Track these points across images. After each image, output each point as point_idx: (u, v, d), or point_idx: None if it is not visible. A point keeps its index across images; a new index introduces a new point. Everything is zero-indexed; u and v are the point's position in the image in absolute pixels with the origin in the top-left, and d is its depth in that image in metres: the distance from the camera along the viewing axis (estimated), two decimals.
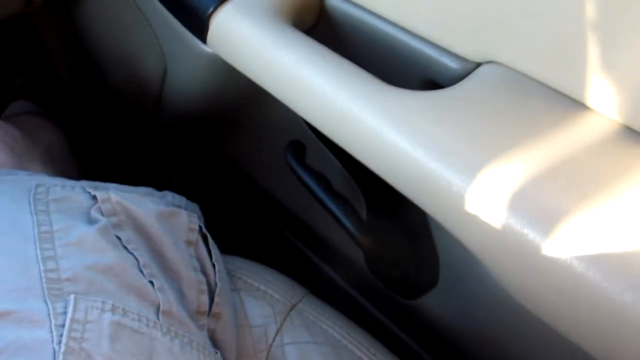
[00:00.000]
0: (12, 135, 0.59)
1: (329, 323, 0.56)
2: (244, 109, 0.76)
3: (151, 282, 0.42)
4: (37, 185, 0.44)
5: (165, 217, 0.48)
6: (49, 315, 0.35)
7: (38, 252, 0.38)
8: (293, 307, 0.57)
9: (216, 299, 0.49)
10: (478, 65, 0.45)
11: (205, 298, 0.47)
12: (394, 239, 0.61)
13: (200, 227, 0.52)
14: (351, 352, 0.54)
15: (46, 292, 0.36)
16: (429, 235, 0.58)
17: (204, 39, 0.55)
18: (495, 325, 0.57)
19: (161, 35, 0.67)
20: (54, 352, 0.33)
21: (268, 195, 0.86)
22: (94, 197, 0.45)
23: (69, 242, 0.40)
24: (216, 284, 0.50)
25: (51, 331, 0.34)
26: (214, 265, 0.51)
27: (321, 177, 0.61)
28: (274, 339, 0.53)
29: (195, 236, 0.50)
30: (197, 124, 0.84)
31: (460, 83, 0.44)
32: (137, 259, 0.42)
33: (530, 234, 0.35)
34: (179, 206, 0.53)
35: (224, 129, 0.85)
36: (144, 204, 0.47)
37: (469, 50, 0.45)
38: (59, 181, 0.47)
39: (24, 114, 0.89)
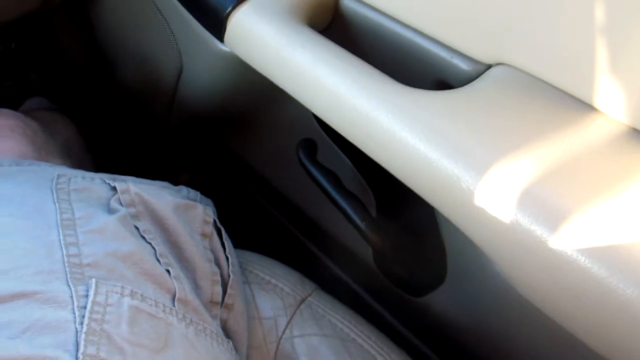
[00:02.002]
0: (33, 128, 0.61)
1: (337, 317, 0.57)
2: (255, 107, 0.77)
3: (167, 271, 0.43)
4: (59, 176, 0.46)
5: (182, 209, 0.49)
6: (71, 297, 0.36)
7: (61, 237, 0.40)
8: (303, 300, 0.58)
9: (229, 290, 0.50)
10: (489, 67, 0.47)
11: (218, 289, 0.49)
12: (403, 237, 0.62)
13: (214, 221, 0.54)
14: (359, 346, 0.55)
15: (69, 276, 0.38)
16: (437, 233, 0.59)
17: (221, 38, 0.56)
18: (501, 323, 0.58)
19: (178, 34, 0.68)
20: (76, 331, 0.35)
21: (277, 192, 0.87)
22: (114, 188, 0.47)
23: (90, 230, 0.41)
24: (229, 276, 0.51)
25: (74, 312, 0.36)
26: (227, 258, 0.52)
27: (332, 174, 0.62)
28: (283, 331, 0.54)
29: (210, 229, 0.52)
30: (209, 122, 0.86)
31: (471, 84, 0.45)
32: (154, 249, 0.44)
33: (538, 230, 0.37)
34: (194, 200, 0.54)
35: (234, 128, 0.86)
36: (161, 196, 0.48)
37: (480, 52, 0.47)
38: (79, 172, 0.48)
39: (40, 109, 0.91)
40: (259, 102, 0.75)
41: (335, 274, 0.81)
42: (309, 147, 0.66)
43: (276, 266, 0.62)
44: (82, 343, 0.34)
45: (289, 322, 0.56)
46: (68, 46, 1.11)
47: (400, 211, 0.64)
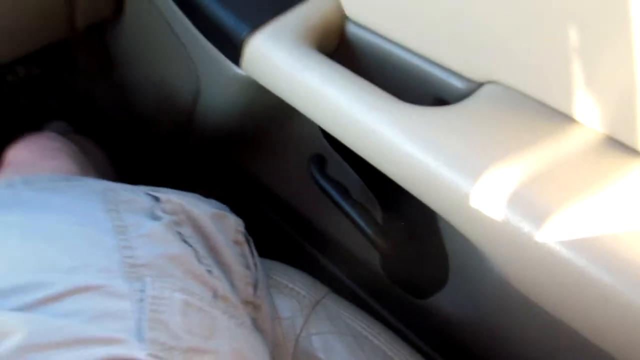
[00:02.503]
0: (73, 149, 0.67)
1: (350, 316, 0.62)
2: (267, 127, 0.83)
3: (209, 271, 0.49)
4: (106, 189, 0.51)
5: (217, 218, 0.55)
6: (130, 291, 0.42)
7: (116, 242, 0.45)
8: (317, 302, 0.63)
9: (258, 292, 0.55)
10: (481, 84, 0.52)
11: (251, 289, 0.54)
12: (407, 242, 0.67)
13: (244, 231, 0.59)
14: (371, 342, 0.59)
15: (126, 275, 0.43)
16: (438, 237, 0.64)
17: (237, 62, 0.62)
18: (503, 320, 0.62)
19: (196, 58, 0.74)
20: (139, 319, 0.40)
21: (286, 205, 0.92)
22: (157, 199, 0.52)
23: (141, 235, 0.46)
24: (257, 280, 0.56)
25: (134, 304, 0.41)
26: (255, 264, 0.58)
27: (341, 186, 0.67)
28: (301, 330, 0.59)
29: (242, 237, 0.57)
30: (224, 141, 0.91)
31: (466, 100, 0.51)
32: (196, 252, 0.49)
33: (526, 227, 0.42)
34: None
35: (247, 146, 0.91)
36: (199, 206, 0.54)
37: (473, 71, 0.52)
38: (121, 186, 0.54)
39: (68, 132, 0.96)
40: (270, 121, 0.80)
41: (343, 281, 0.85)
42: (319, 161, 0.71)
43: (293, 272, 0.66)
44: (146, 329, 0.39)
45: (305, 322, 0.60)
46: (87, 71, 1.16)
47: (404, 217, 0.69)
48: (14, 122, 1.11)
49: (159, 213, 0.50)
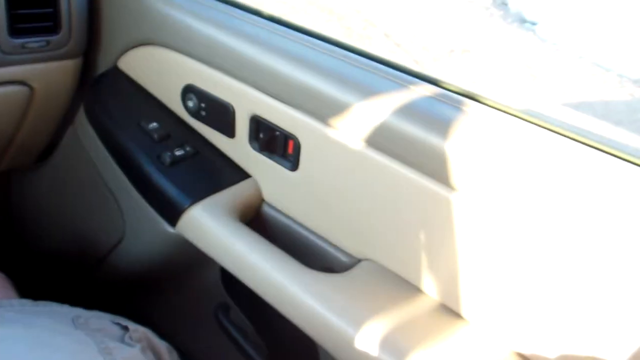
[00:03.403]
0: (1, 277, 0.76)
1: None
2: (177, 277, 0.96)
3: None
4: (76, 317, 0.62)
5: (169, 351, 0.68)
6: None
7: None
8: None
9: None
10: (359, 260, 0.72)
11: None
12: None
13: None
14: None
15: None
16: None
17: (173, 225, 0.77)
18: None
19: (126, 210, 0.87)
20: None
21: (184, 350, 1.02)
22: (125, 327, 0.64)
23: (124, 357, 0.58)
24: None
25: None
26: None
27: (241, 330, 0.82)
28: None
29: None
30: (131, 285, 1.01)
31: (349, 271, 0.70)
32: None
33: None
34: None
35: (149, 292, 1.02)
36: (155, 337, 0.66)
37: (353, 250, 0.73)
38: (87, 313, 0.65)
39: None
40: (179, 272, 0.94)
41: None
42: (224, 309, 0.86)
43: None
44: None
45: None
46: None
47: (289, 355, 0.84)
48: None
49: (129, 340, 0.62)
